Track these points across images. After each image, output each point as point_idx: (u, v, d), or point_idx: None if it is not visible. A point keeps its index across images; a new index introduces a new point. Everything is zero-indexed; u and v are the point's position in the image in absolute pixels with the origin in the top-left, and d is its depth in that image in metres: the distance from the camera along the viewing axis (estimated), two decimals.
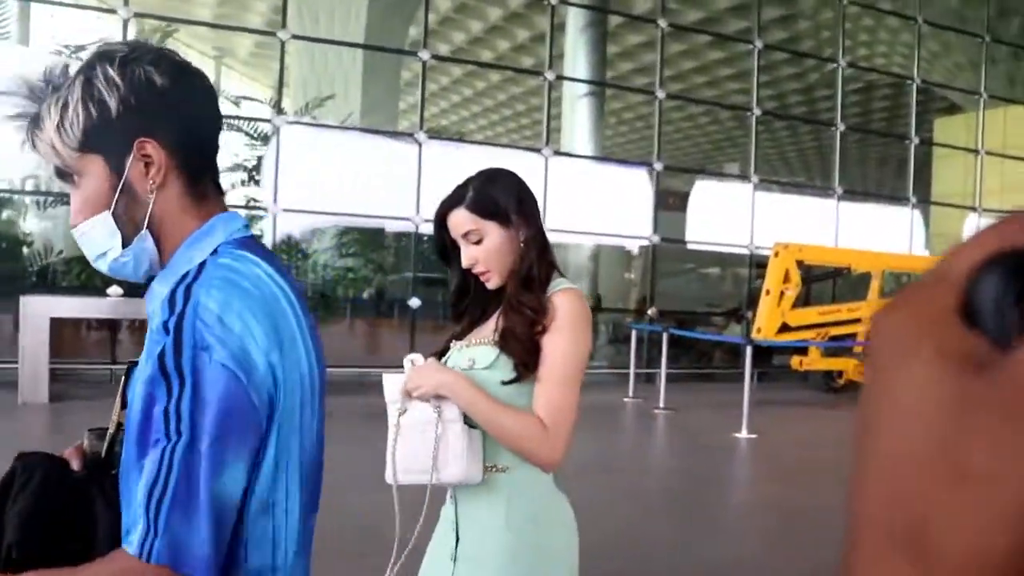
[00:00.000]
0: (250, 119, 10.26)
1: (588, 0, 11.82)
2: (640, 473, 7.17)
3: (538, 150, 11.06)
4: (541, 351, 1.55)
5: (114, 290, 8.91)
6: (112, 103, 1.05)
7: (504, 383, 1.55)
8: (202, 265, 1.07)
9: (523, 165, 10.86)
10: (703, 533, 5.35)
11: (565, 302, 1.59)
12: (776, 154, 14.96)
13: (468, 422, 1.56)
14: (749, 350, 8.30)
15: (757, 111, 12.53)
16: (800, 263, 10.68)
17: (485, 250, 1.62)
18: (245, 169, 10.05)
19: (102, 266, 1.13)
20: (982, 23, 14.34)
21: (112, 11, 9.06)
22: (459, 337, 1.72)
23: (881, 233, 14.40)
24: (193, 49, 9.61)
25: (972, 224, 14.86)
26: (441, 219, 1.67)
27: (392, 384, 1.61)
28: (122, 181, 1.07)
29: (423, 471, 1.56)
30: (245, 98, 10.59)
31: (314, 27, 10.75)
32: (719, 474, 7.19)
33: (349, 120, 11.27)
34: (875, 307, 7.58)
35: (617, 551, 4.79)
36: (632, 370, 10.36)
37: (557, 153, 11.22)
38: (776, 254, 10.53)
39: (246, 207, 9.92)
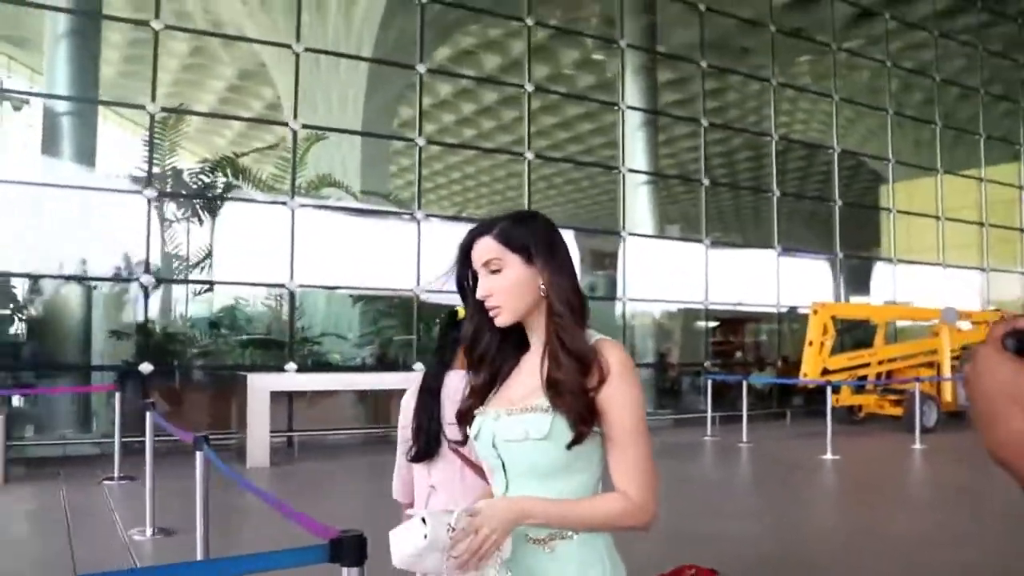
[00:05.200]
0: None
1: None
2: (781, 487, 9.01)
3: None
4: (597, 407, 1.49)
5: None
6: None
7: (568, 447, 1.48)
8: None
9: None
10: (879, 524, 7.30)
11: (613, 352, 1.52)
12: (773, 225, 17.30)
13: None
14: (829, 390, 10.47)
15: (778, 192, 15.04)
16: (833, 318, 12.98)
17: (503, 282, 1.54)
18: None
19: None
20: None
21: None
22: (481, 396, 1.63)
23: (869, 287, 17.19)
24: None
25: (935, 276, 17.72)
26: (467, 248, 1.60)
27: (414, 536, 1.37)
28: None
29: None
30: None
31: (313, 116, 12.05)
32: (839, 485, 9.19)
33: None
34: (927, 346, 10.42)
35: (825, 543, 6.68)
36: (709, 413, 12.33)
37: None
38: (815, 312, 12.80)
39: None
